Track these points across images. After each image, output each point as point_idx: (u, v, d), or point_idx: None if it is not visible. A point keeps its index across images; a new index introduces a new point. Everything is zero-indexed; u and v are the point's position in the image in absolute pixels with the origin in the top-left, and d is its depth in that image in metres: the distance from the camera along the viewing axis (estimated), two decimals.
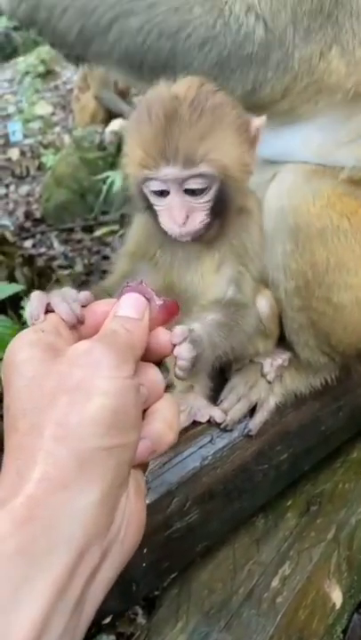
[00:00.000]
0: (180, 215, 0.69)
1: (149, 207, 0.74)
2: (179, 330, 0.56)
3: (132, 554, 0.46)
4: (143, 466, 0.50)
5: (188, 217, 0.70)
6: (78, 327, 0.52)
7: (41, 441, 0.41)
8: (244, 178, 0.75)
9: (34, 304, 0.55)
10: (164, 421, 0.49)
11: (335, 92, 0.84)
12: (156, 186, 0.70)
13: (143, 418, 0.48)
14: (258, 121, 0.74)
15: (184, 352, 0.55)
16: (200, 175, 0.68)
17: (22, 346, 0.46)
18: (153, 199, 0.72)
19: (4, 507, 0.38)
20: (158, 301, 0.55)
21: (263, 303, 0.87)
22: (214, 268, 0.79)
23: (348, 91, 0.83)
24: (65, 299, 0.53)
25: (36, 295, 0.55)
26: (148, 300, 0.54)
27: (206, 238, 0.76)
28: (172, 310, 0.55)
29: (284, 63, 0.79)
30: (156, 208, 0.72)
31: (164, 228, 0.72)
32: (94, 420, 0.41)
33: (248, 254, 0.80)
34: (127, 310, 0.52)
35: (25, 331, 0.49)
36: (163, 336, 0.53)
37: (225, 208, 0.73)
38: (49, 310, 0.53)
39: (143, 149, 0.68)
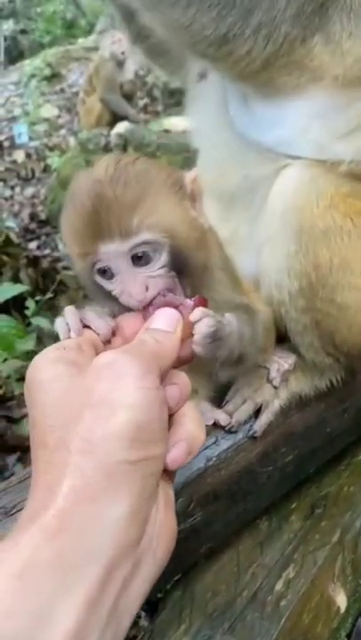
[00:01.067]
0: (136, 288, 0.63)
1: (106, 294, 0.66)
2: (198, 310, 0.58)
3: (165, 564, 0.47)
4: (170, 477, 0.50)
5: (147, 288, 0.63)
6: (110, 340, 0.54)
7: (68, 455, 0.41)
8: (196, 234, 0.69)
9: (70, 319, 0.55)
10: (195, 422, 0.50)
11: (321, 76, 0.82)
12: (102, 268, 0.65)
13: (171, 422, 0.48)
14: (190, 174, 0.70)
15: (202, 326, 0.57)
16: (143, 243, 0.63)
17: (45, 364, 0.47)
18: (106, 284, 0.66)
19: (37, 520, 0.38)
20: (189, 302, 0.55)
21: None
22: None
23: (336, 77, 0.82)
24: (98, 314, 0.53)
25: (70, 310, 0.56)
26: (180, 309, 0.55)
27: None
28: (203, 306, 0.56)
29: (266, 29, 0.76)
30: (113, 293, 0.65)
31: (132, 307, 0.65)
32: (119, 433, 0.42)
33: (231, 300, 0.75)
34: (160, 324, 0.53)
35: (46, 349, 0.50)
36: (190, 345, 0.55)
37: (186, 269, 0.67)
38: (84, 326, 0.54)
39: (77, 238, 0.65)
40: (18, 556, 0.36)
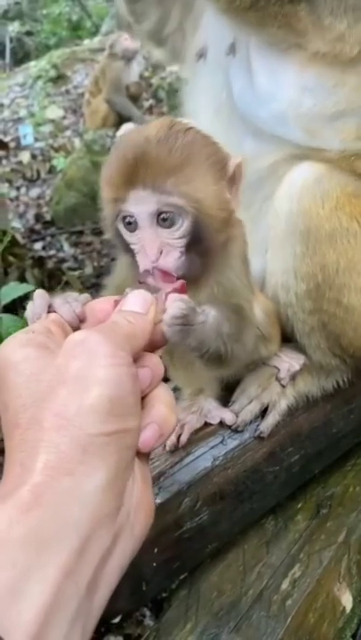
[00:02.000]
0: (152, 248, 0.65)
1: (127, 249, 0.70)
2: (173, 296, 0.59)
3: (142, 539, 0.47)
4: (145, 455, 0.50)
5: (161, 252, 0.65)
6: (79, 327, 0.54)
7: (42, 433, 0.41)
8: (224, 215, 0.70)
9: (37, 302, 0.56)
10: (166, 404, 0.50)
11: (306, 45, 0.84)
12: (127, 217, 0.67)
13: (143, 404, 0.48)
14: (236, 159, 0.72)
15: (173, 308, 0.58)
16: (171, 205, 0.65)
17: (15, 347, 0.47)
18: (127, 236, 0.68)
19: (10, 497, 0.38)
20: (168, 289, 0.56)
21: (257, 310, 0.84)
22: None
23: (317, 52, 0.84)
24: (66, 299, 0.54)
25: (39, 294, 0.56)
26: (157, 293, 0.55)
27: (189, 278, 0.68)
28: (182, 292, 0.57)
29: None
30: (132, 247, 0.68)
31: (140, 268, 0.67)
32: (93, 408, 0.42)
33: (236, 290, 0.75)
34: (133, 305, 0.53)
35: (15, 334, 0.50)
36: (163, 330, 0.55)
37: (204, 246, 0.68)
38: (50, 311, 0.54)
39: (112, 183, 0.67)
40: None
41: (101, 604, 0.41)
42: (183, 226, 0.66)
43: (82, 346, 0.46)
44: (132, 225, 0.67)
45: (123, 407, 0.44)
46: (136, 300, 0.54)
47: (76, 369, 0.44)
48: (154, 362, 0.51)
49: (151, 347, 0.53)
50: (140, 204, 0.65)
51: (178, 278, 0.64)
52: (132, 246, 0.68)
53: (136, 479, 0.47)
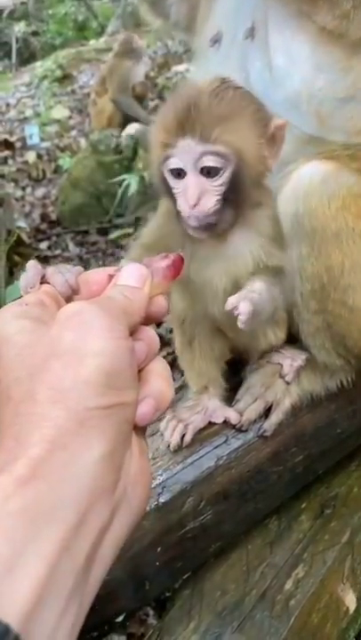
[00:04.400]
0: (194, 194, 0.70)
1: (169, 193, 0.75)
2: (233, 299, 0.68)
3: (141, 514, 0.46)
4: (142, 429, 0.49)
5: (200, 199, 0.71)
6: (72, 298, 0.52)
7: (37, 406, 0.40)
8: (261, 170, 0.77)
9: (29, 273, 0.55)
10: (163, 378, 0.49)
11: (315, 11, 0.87)
12: (173, 164, 0.72)
13: (140, 378, 0.48)
14: (279, 121, 0.77)
15: (243, 309, 0.67)
16: (215, 153, 0.70)
17: (8, 319, 0.46)
18: (171, 181, 0.74)
19: (5, 470, 0.37)
20: (163, 263, 0.56)
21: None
22: (237, 267, 0.80)
23: (324, 28, 0.87)
24: (59, 270, 0.54)
25: (31, 265, 0.56)
26: (152, 267, 0.55)
27: (219, 230, 0.76)
28: (178, 265, 0.57)
29: None
30: (174, 192, 0.74)
31: (179, 211, 0.74)
32: (89, 381, 0.41)
33: (267, 244, 0.81)
34: (128, 280, 0.52)
35: (7, 305, 0.48)
36: (160, 302, 0.54)
37: (239, 197, 0.74)
38: (43, 282, 0.54)
39: (162, 128, 0.73)
40: None
41: (98, 580, 0.41)
42: (224, 174, 0.71)
43: (77, 317, 0.44)
44: (177, 170, 0.72)
45: (120, 380, 0.43)
46: (131, 273, 0.53)
47: (71, 341, 0.43)
48: (149, 335, 0.50)
49: (146, 321, 0.52)
50: (187, 153, 0.70)
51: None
52: (175, 190, 0.74)
53: (133, 453, 0.46)
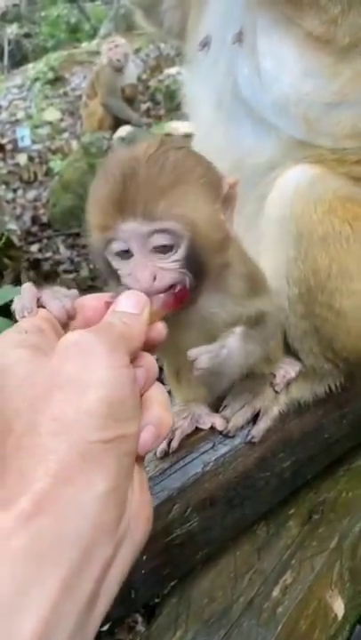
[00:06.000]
0: (144, 275, 0.61)
1: (116, 277, 0.66)
2: (194, 352, 0.66)
3: (141, 547, 0.45)
4: (141, 459, 0.49)
5: (155, 277, 0.62)
6: (69, 323, 0.52)
7: (39, 438, 0.40)
8: (220, 237, 0.68)
9: (25, 297, 0.54)
10: (161, 404, 0.49)
11: (302, 16, 0.86)
12: (118, 246, 0.63)
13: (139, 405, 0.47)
14: (231, 179, 0.70)
15: (199, 363, 0.65)
16: (164, 231, 0.62)
17: (7, 348, 0.45)
18: (118, 265, 0.65)
19: (8, 506, 0.37)
20: (162, 296, 0.55)
21: None
22: (212, 329, 0.74)
23: (313, 30, 0.86)
24: (55, 295, 0.52)
25: (27, 288, 0.55)
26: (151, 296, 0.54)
27: (192, 302, 0.68)
28: (180, 296, 0.56)
29: None
30: (123, 280, 0.64)
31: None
32: (91, 412, 0.41)
33: (241, 301, 0.75)
34: (126, 306, 0.52)
35: (5, 333, 0.48)
36: (159, 329, 0.54)
37: (202, 267, 0.66)
38: (39, 306, 0.53)
39: (100, 210, 0.64)
40: None
41: (102, 612, 0.40)
42: (178, 251, 0.63)
43: (76, 347, 0.44)
44: (123, 254, 0.64)
45: (122, 411, 0.42)
46: (130, 300, 0.53)
47: (72, 371, 0.42)
48: (148, 361, 0.50)
49: (145, 347, 0.52)
50: (131, 233, 0.62)
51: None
52: (121, 272, 0.64)
53: (134, 485, 0.45)
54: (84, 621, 0.38)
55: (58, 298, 0.53)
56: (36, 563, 0.35)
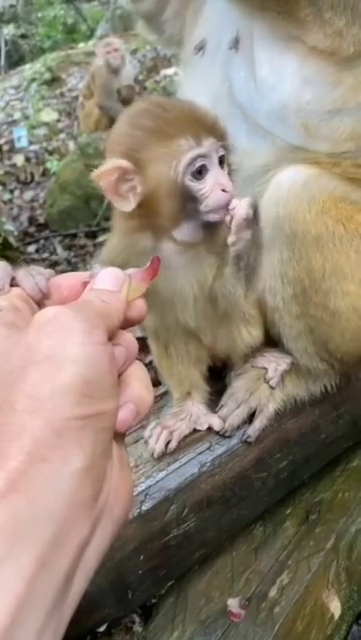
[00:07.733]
0: (228, 181, 0.73)
1: (183, 200, 0.74)
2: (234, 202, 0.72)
3: (122, 525, 0.45)
4: (121, 436, 0.48)
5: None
6: (43, 303, 0.51)
7: (14, 416, 0.39)
8: None
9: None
10: (142, 382, 0.48)
11: (305, 34, 0.85)
12: (201, 161, 0.73)
13: (119, 383, 0.47)
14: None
15: (241, 209, 0.71)
16: (227, 145, 0.75)
17: None
18: (196, 187, 0.73)
19: None
20: (140, 271, 0.55)
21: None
22: (206, 273, 0.79)
23: (315, 47, 0.86)
24: (30, 273, 0.52)
25: (1, 266, 0.54)
26: (128, 272, 0.54)
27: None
28: (156, 267, 0.56)
29: None
30: (199, 194, 0.73)
31: (211, 207, 0.73)
32: (67, 389, 0.40)
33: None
34: (104, 283, 0.51)
35: None
36: (139, 306, 0.53)
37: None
38: (12, 284, 0.52)
39: (187, 129, 0.73)
40: None
41: (78, 593, 0.40)
42: (229, 160, 0.76)
43: (54, 322, 0.43)
44: (197, 175, 0.73)
45: (99, 388, 0.42)
46: (108, 277, 0.52)
47: (49, 347, 0.42)
48: (127, 339, 0.49)
49: (125, 325, 0.51)
50: (211, 148, 0.73)
51: None
52: (203, 192, 0.73)
53: (113, 462, 0.45)
54: (61, 599, 0.38)
55: (32, 275, 0.52)
56: (9, 541, 0.35)
